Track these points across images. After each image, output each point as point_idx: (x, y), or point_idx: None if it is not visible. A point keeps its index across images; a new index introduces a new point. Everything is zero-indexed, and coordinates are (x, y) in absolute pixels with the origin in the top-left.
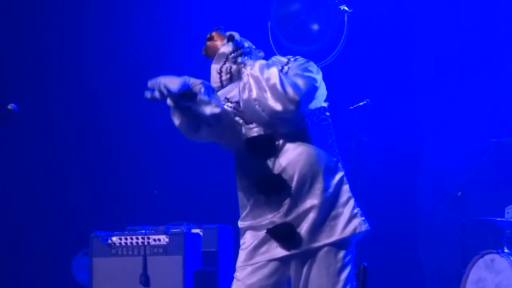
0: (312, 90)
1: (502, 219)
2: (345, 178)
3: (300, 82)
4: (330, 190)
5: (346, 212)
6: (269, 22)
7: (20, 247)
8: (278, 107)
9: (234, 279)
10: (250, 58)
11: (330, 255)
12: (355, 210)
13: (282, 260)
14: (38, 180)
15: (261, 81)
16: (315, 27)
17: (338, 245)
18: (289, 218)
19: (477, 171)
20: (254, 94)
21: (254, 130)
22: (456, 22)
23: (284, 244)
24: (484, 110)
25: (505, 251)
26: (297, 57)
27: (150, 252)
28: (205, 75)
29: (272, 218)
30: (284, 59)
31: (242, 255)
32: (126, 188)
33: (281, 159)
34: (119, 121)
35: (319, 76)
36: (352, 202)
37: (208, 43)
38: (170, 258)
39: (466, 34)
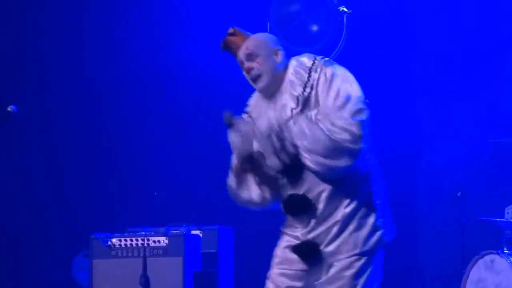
0: (365, 124)
1: (502, 219)
2: (371, 188)
3: (354, 128)
4: (354, 203)
5: (369, 224)
6: (268, 23)
7: (20, 248)
8: (347, 163)
9: (267, 277)
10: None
11: (351, 263)
12: (378, 222)
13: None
14: (38, 181)
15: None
16: (315, 27)
17: (359, 255)
18: (312, 234)
19: (477, 172)
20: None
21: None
22: (455, 23)
23: (306, 261)
24: (484, 111)
25: (505, 251)
26: (322, 61)
27: (150, 253)
28: (204, 72)
29: (299, 232)
30: (308, 62)
31: (275, 255)
32: (126, 190)
33: (307, 178)
34: (119, 121)
35: (358, 90)
36: (374, 214)
37: (229, 37)
38: (170, 259)
39: (466, 35)
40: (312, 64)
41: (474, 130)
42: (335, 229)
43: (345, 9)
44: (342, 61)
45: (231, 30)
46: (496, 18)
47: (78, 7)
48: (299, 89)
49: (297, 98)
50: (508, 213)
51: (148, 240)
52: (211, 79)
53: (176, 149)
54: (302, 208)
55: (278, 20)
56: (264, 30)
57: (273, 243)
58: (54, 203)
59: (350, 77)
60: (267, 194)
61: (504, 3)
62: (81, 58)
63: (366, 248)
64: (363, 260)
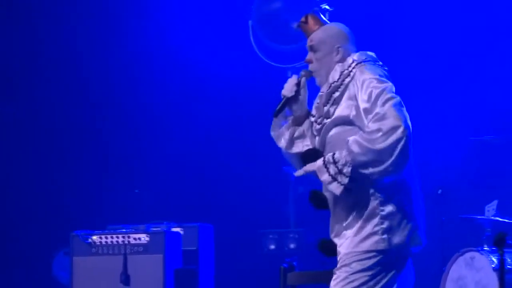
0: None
1: (482, 217)
2: (378, 193)
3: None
4: (360, 206)
5: (368, 227)
6: (250, 21)
7: (0, 246)
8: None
9: None
10: None
11: (350, 262)
12: (377, 228)
13: None
14: (18, 179)
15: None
16: (296, 25)
17: (358, 254)
18: (333, 234)
19: (457, 169)
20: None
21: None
22: (436, 21)
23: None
24: (465, 109)
25: (485, 249)
26: (362, 67)
27: (130, 251)
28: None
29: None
30: (345, 65)
31: None
32: (107, 187)
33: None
34: (99, 119)
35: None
36: (377, 218)
37: (302, 24)
38: (151, 257)
39: (446, 32)
40: (348, 68)
41: (455, 128)
42: (344, 231)
43: (327, 7)
44: None
45: (303, 19)
46: (476, 18)
47: (76, 7)
48: (325, 99)
49: (317, 108)
50: (488, 210)
51: (128, 237)
52: (194, 77)
53: (157, 147)
54: (320, 205)
55: (260, 18)
56: (246, 29)
57: (253, 241)
58: (35, 200)
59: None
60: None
61: (484, 4)
62: (68, 52)
63: (357, 249)
64: (358, 265)
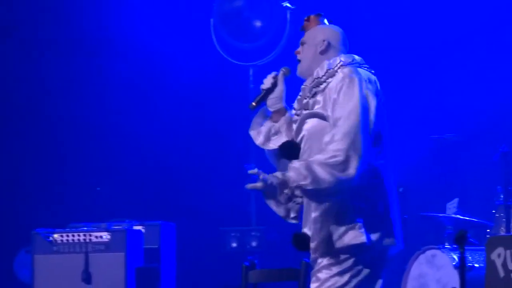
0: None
1: (444, 214)
2: (354, 192)
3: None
4: (336, 203)
5: (346, 222)
6: (212, 19)
7: None
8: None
9: None
10: None
11: (329, 263)
12: (354, 223)
13: None
14: None
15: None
16: (258, 23)
17: (338, 254)
18: (305, 228)
19: (418, 167)
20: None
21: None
22: (399, 21)
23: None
24: (425, 107)
25: (446, 246)
26: (346, 70)
27: (92, 249)
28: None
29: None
30: (333, 64)
31: None
32: (68, 185)
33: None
34: (61, 116)
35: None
36: (353, 214)
37: (305, 22)
38: (112, 255)
39: (408, 34)
40: (334, 67)
41: (415, 127)
42: (314, 226)
43: (288, 5)
44: (284, 57)
45: (306, 18)
46: (440, 19)
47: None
48: (307, 91)
49: (298, 100)
50: (449, 208)
51: (90, 235)
52: (156, 74)
53: (118, 145)
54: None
55: (221, 16)
56: (207, 27)
57: (214, 239)
58: None
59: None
60: None
61: (449, 5)
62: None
63: (337, 246)
64: (337, 264)
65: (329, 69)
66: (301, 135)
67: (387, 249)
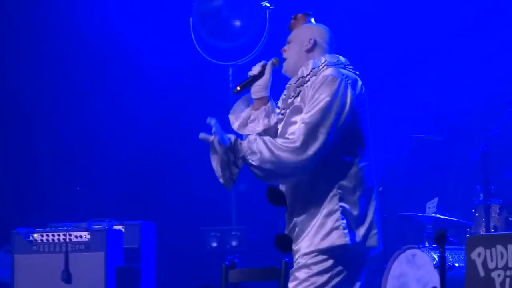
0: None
1: (423, 214)
2: (339, 190)
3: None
4: (320, 202)
5: (329, 223)
6: (191, 18)
7: None
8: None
9: None
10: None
11: (309, 263)
12: (338, 223)
13: None
14: None
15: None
16: (237, 23)
17: (318, 254)
18: (288, 229)
19: (398, 167)
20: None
21: None
22: (377, 21)
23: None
24: (405, 106)
25: (426, 246)
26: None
27: (72, 249)
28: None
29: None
30: (318, 63)
31: None
32: (48, 184)
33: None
34: (40, 116)
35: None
36: (337, 214)
37: (292, 21)
38: (92, 254)
39: (388, 33)
40: (319, 66)
41: (395, 126)
42: (297, 228)
43: (268, 5)
44: (264, 56)
45: (293, 16)
46: (416, 20)
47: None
48: (291, 90)
49: (283, 99)
50: (429, 208)
51: (70, 235)
52: (135, 74)
53: (98, 144)
54: (277, 201)
55: (200, 15)
56: (187, 26)
57: (195, 239)
58: None
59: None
60: None
61: (425, 6)
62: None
63: (319, 247)
64: (320, 263)
65: (313, 69)
66: (285, 134)
67: (368, 250)
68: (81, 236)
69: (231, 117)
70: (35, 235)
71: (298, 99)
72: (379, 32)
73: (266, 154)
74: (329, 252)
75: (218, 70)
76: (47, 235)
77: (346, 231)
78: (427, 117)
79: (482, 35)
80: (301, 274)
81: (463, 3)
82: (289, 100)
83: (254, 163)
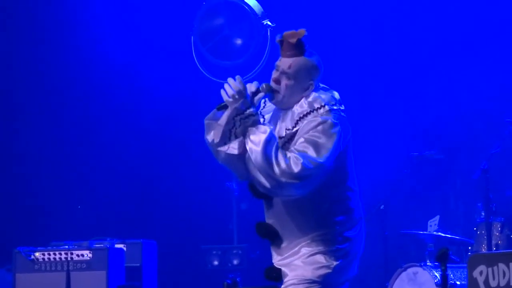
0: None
1: (425, 232)
2: (334, 217)
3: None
4: (314, 228)
5: (324, 256)
6: (192, 37)
7: None
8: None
9: None
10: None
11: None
12: (322, 257)
13: None
14: None
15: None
16: (239, 41)
17: (304, 284)
18: (279, 257)
19: (399, 185)
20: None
21: None
22: (378, 37)
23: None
24: (406, 124)
25: (427, 264)
26: (328, 111)
27: (73, 267)
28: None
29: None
30: (317, 104)
31: None
32: (50, 203)
33: (270, 210)
34: (42, 135)
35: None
36: (335, 246)
37: (284, 39)
38: (94, 273)
39: (388, 50)
40: (317, 109)
41: (396, 144)
42: (290, 258)
43: (269, 23)
44: (265, 74)
45: (285, 33)
46: (417, 36)
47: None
48: (291, 123)
49: (285, 130)
50: (431, 226)
51: (71, 254)
52: (136, 91)
53: (99, 163)
54: (268, 235)
55: (202, 34)
56: (188, 44)
57: (195, 257)
58: None
59: (333, 136)
60: None
61: (424, 19)
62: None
63: (303, 277)
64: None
65: (310, 111)
66: None
67: (350, 278)
68: (82, 255)
69: (206, 123)
70: (37, 254)
71: (295, 129)
72: (380, 49)
73: (262, 156)
74: (319, 280)
75: (219, 88)
76: (49, 254)
77: (340, 261)
78: (428, 135)
79: (483, 53)
80: None
81: (462, 20)
82: (288, 132)
83: (248, 147)
